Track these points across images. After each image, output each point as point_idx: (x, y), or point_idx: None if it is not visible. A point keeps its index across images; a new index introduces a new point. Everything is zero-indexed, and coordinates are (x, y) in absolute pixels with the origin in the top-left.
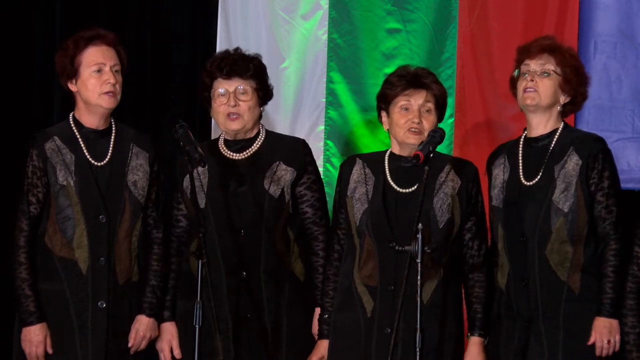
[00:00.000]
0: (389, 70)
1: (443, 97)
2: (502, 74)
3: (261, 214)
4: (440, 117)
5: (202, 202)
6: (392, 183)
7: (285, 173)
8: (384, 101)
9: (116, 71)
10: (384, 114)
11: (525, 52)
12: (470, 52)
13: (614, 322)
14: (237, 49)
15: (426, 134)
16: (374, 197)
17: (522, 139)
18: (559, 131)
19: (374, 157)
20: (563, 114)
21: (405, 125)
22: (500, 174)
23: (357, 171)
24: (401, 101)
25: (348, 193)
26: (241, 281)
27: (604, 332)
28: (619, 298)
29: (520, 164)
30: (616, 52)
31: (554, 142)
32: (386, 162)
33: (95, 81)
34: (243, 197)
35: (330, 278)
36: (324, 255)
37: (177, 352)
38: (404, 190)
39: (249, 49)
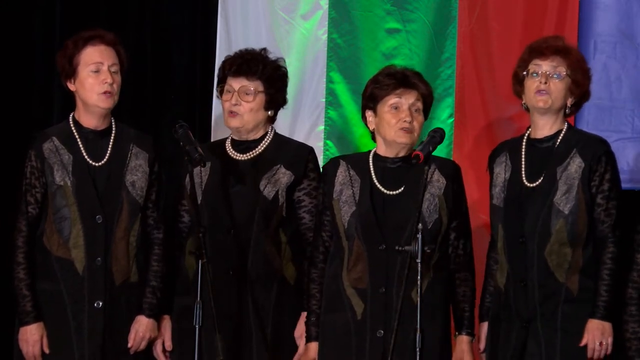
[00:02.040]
0: None
1: (430, 97)
2: (502, 74)
3: (253, 215)
4: (425, 117)
5: (199, 199)
6: (378, 185)
7: (282, 176)
8: (372, 100)
9: (114, 71)
10: (369, 113)
11: (536, 52)
12: (470, 52)
13: (607, 325)
14: (260, 50)
15: (415, 134)
16: (361, 199)
17: (525, 139)
18: (562, 132)
19: (358, 158)
20: (566, 114)
21: (397, 125)
22: (501, 172)
23: (342, 173)
24: (391, 100)
25: (334, 196)
26: (228, 280)
27: (596, 333)
28: (613, 301)
29: (523, 164)
30: (616, 52)
31: (557, 144)
32: (371, 164)
33: (93, 81)
34: (238, 197)
35: (315, 280)
36: None
37: (168, 345)
38: (390, 192)
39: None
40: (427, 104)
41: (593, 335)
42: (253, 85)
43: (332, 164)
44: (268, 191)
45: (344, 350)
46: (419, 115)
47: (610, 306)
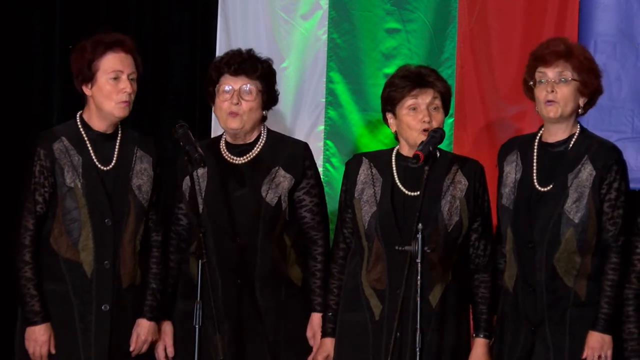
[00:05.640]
0: (389, 70)
1: (448, 92)
2: (502, 74)
3: (257, 221)
4: (445, 112)
5: (200, 206)
6: (400, 185)
7: (283, 180)
8: (390, 103)
9: (132, 79)
10: (390, 115)
11: (540, 60)
12: (470, 52)
13: (607, 338)
14: (250, 50)
15: None
16: (382, 199)
17: (537, 140)
18: (575, 137)
19: (380, 157)
20: (580, 114)
21: (419, 127)
22: (512, 172)
23: (364, 171)
24: (408, 102)
25: (355, 194)
26: (237, 286)
27: (595, 347)
28: (614, 314)
29: (535, 167)
30: (616, 52)
31: (569, 149)
32: (393, 163)
33: (112, 89)
34: (240, 203)
35: (335, 276)
36: (321, 260)
37: (170, 351)
38: (411, 193)
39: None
40: (446, 100)
41: (592, 349)
42: (254, 85)
43: (355, 161)
44: (270, 197)
45: (361, 350)
46: (438, 113)
47: (610, 318)
